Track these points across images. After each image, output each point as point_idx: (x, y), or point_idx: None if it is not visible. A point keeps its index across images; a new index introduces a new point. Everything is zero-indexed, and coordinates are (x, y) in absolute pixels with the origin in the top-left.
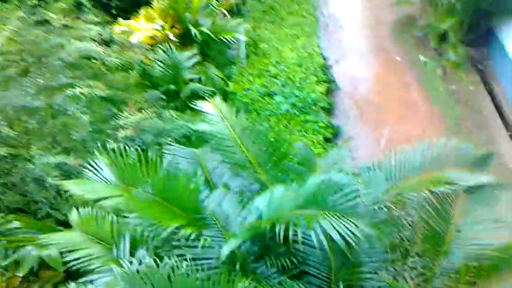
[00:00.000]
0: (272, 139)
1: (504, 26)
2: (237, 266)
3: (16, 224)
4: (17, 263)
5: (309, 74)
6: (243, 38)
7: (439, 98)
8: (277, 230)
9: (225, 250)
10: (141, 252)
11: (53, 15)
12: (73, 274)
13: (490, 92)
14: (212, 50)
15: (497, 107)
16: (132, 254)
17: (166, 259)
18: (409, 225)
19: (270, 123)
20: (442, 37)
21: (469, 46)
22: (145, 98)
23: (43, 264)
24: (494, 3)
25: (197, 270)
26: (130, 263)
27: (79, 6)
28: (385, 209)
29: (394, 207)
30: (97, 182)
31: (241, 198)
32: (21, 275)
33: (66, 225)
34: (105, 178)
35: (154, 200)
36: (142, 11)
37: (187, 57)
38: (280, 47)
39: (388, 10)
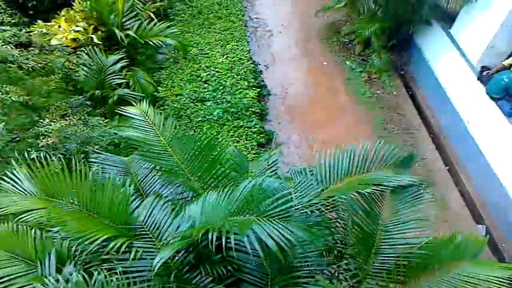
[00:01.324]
0: (203, 145)
1: (421, 32)
2: (171, 277)
3: None
4: None
5: (240, 79)
6: (171, 42)
7: (365, 102)
8: (210, 237)
9: (158, 261)
10: (68, 268)
11: None
12: None
13: (412, 95)
14: (140, 54)
15: (418, 109)
16: (59, 271)
17: (95, 274)
18: (342, 227)
19: (202, 129)
20: (366, 43)
21: (392, 52)
22: (69, 104)
23: None
24: (411, 11)
25: (128, 284)
26: (57, 280)
27: None
28: (317, 212)
29: (326, 210)
30: (16, 195)
31: (174, 207)
32: None
33: None
34: (25, 190)
35: (81, 212)
36: (63, 13)
37: (114, 61)
38: (210, 52)
39: (315, 16)
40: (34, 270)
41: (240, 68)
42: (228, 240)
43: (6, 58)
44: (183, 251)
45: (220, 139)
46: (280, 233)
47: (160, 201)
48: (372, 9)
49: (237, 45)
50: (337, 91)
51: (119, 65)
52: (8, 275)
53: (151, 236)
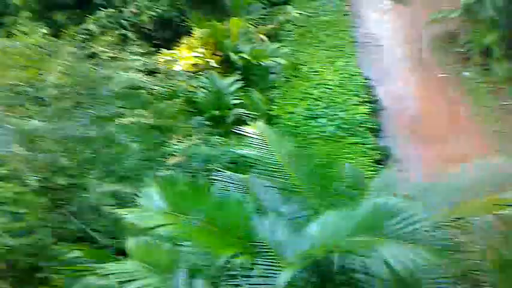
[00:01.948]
0: (320, 162)
1: None
2: None
3: (77, 253)
4: None
5: (351, 95)
6: (282, 61)
7: (488, 114)
8: (333, 258)
9: (282, 280)
10: (198, 282)
11: (101, 49)
12: None
13: None
14: (253, 74)
15: None
16: (189, 283)
17: None
18: (476, 252)
19: (316, 146)
20: (485, 52)
21: None
22: (191, 125)
23: None
24: None
25: None
26: None
27: (124, 38)
28: (446, 235)
29: (455, 233)
30: (151, 210)
31: (294, 225)
32: None
33: (124, 254)
34: (158, 205)
35: (206, 228)
36: (184, 41)
37: (230, 82)
38: (320, 69)
39: (426, 28)
40: (166, 283)
41: (351, 83)
42: (352, 262)
43: (138, 85)
44: (306, 271)
45: (336, 156)
46: (409, 255)
47: (280, 219)
48: (491, 17)
49: (347, 61)
50: (455, 103)
51: (234, 86)
52: (144, 286)
53: (273, 253)
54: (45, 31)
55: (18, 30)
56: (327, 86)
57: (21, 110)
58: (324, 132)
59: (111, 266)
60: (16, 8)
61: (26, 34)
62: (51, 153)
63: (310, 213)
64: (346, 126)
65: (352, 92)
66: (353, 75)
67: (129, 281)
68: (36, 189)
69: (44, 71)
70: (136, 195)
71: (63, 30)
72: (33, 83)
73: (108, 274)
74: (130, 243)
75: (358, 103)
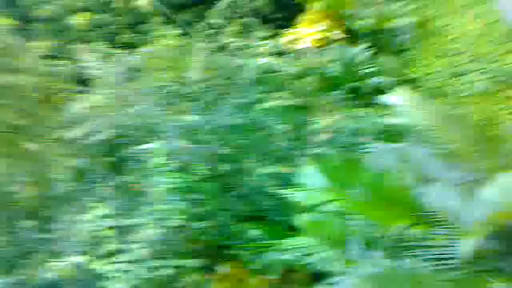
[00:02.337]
0: (477, 122)
1: None
2: (480, 266)
3: (256, 231)
4: (266, 267)
5: (497, 43)
6: (410, 20)
7: None
8: None
9: (465, 249)
10: (376, 253)
11: (229, 40)
12: (316, 276)
13: None
14: (380, 39)
15: None
16: (365, 255)
17: (401, 260)
18: None
19: (467, 104)
20: None
21: None
22: (331, 100)
23: (288, 267)
24: None
25: (438, 270)
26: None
27: (246, 26)
28: None
29: None
30: (313, 188)
31: (464, 191)
32: (272, 278)
33: (294, 229)
34: (318, 183)
35: (371, 201)
36: (303, 17)
37: (359, 51)
38: (453, 22)
39: None
40: (342, 255)
41: (493, 32)
42: None
43: (271, 69)
44: (491, 239)
45: (493, 113)
46: None
47: (447, 185)
48: None
49: (484, 8)
50: None
51: (365, 55)
52: (322, 259)
53: (448, 222)
54: (177, 32)
55: (154, 35)
56: (465, 38)
57: (175, 107)
58: (473, 88)
59: (288, 242)
60: (147, 16)
61: (161, 38)
62: (210, 143)
63: (479, 177)
64: (498, 79)
65: (498, 40)
66: (493, 22)
67: (308, 254)
68: (207, 177)
69: (185, 69)
70: (294, 174)
71: (191, 29)
72: (178, 81)
73: (287, 249)
74: (300, 220)
75: (507, 52)
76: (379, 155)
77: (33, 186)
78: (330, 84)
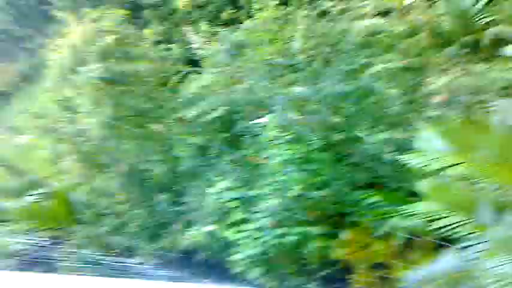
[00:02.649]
0: None
1: None
2: None
3: (374, 198)
4: (388, 233)
5: None
6: None
7: None
8: None
9: None
10: (508, 217)
11: (330, 4)
12: (441, 242)
13: None
14: None
15: None
16: (498, 219)
17: None
18: None
19: None
20: None
21: None
22: (444, 58)
23: (413, 233)
24: None
25: None
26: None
27: None
28: None
29: None
30: (432, 152)
31: None
32: (397, 243)
33: (415, 195)
34: (438, 147)
35: (497, 163)
36: None
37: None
38: None
39: None
40: (469, 219)
41: None
42: None
43: (376, 30)
44: None
45: None
46: None
47: None
48: None
49: None
50: None
51: (480, 3)
52: (449, 224)
53: None
54: (277, 2)
55: (254, 9)
56: None
57: (282, 80)
58: None
59: (411, 207)
60: None
61: (262, 10)
62: (320, 113)
63: None
64: None
65: None
66: None
67: (434, 220)
68: (319, 147)
69: (288, 40)
70: (411, 139)
71: None
72: (283, 53)
73: (410, 215)
74: (423, 185)
75: None
76: (505, 113)
77: (162, 164)
78: (443, 40)
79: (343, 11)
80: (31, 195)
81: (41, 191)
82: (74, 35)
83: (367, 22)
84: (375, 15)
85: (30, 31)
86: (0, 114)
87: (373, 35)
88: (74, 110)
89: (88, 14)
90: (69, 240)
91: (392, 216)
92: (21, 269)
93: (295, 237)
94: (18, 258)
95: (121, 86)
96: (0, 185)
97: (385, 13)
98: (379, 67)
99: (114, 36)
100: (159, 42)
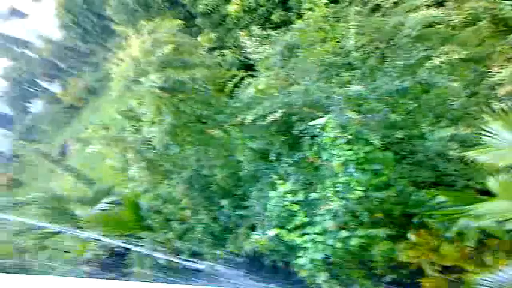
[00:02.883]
0: None
1: None
2: None
3: (441, 197)
4: (459, 234)
5: None
6: None
7: None
8: None
9: None
10: None
11: None
12: None
13: None
14: None
15: None
16: None
17: None
18: None
19: None
20: None
21: None
22: (508, 46)
23: (487, 233)
24: None
25: None
26: None
27: None
28: None
29: None
30: (500, 147)
31: None
32: (468, 245)
33: (485, 194)
34: (504, 141)
35: None
36: None
37: None
38: None
39: None
40: None
41: None
42: None
43: (433, 21)
44: None
45: None
46: None
47: None
48: None
49: None
50: None
51: None
52: None
53: None
54: (326, 1)
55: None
56: None
57: (337, 79)
58: None
59: (481, 207)
60: None
61: (312, 10)
62: (379, 111)
63: None
64: None
65: None
66: None
67: (506, 220)
68: (380, 147)
69: (341, 38)
70: (476, 134)
71: None
72: (336, 52)
73: (482, 215)
74: (494, 183)
75: None
76: None
77: (223, 169)
78: (504, 27)
79: (396, 4)
80: (102, 202)
81: (110, 198)
82: (133, 47)
83: (422, 14)
84: (429, 6)
85: (94, 46)
86: (70, 126)
87: (430, 26)
88: (137, 119)
89: (145, 26)
90: (139, 245)
91: (461, 217)
92: (94, 275)
93: (360, 240)
94: (91, 264)
95: (180, 94)
96: (73, 193)
97: (440, 3)
98: (438, 60)
99: (171, 46)
100: (213, 49)
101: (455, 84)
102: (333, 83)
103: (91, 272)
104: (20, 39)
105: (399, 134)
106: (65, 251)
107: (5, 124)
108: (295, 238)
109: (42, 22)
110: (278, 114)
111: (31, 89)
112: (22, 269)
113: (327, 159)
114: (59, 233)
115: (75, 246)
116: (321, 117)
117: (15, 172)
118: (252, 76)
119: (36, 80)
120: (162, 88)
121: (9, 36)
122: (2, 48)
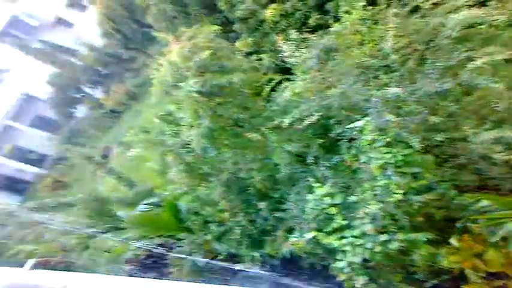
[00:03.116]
0: None
1: None
2: None
3: (485, 201)
4: (504, 239)
5: None
6: None
7: None
8: None
9: None
10: None
11: None
12: None
13: None
14: None
15: None
16: None
17: None
18: None
19: None
20: None
21: None
22: None
23: None
24: None
25: None
26: None
27: None
28: None
29: None
30: None
31: None
32: None
33: None
34: None
35: None
36: None
37: None
38: None
39: None
40: None
41: None
42: None
43: (474, 22)
44: None
45: None
46: None
47: None
48: None
49: None
50: None
51: None
52: None
53: None
54: (363, 2)
55: (341, 11)
56: None
57: (376, 81)
58: None
59: None
60: None
61: (348, 13)
62: (418, 114)
63: None
64: None
65: None
66: None
67: None
68: (420, 149)
69: (378, 40)
70: None
71: None
72: (374, 54)
73: None
74: None
75: None
76: None
77: (260, 171)
78: None
79: (436, 5)
80: (142, 204)
81: (151, 200)
82: (173, 53)
83: (463, 14)
84: (471, 7)
85: (135, 53)
86: (112, 130)
87: (471, 27)
88: (176, 123)
89: (184, 32)
90: (178, 246)
91: (507, 221)
92: (136, 275)
93: (400, 244)
94: (133, 264)
95: (218, 98)
96: (116, 195)
97: (482, 3)
98: (480, 61)
99: (208, 51)
100: (250, 53)
101: (499, 86)
102: (371, 85)
103: (130, 271)
104: (65, 47)
105: (439, 137)
106: (105, 251)
107: (50, 128)
108: (333, 241)
109: (86, 31)
110: (315, 118)
111: (75, 95)
112: (67, 267)
113: (365, 162)
114: (101, 233)
115: (116, 246)
116: (358, 120)
117: (60, 174)
118: (289, 80)
119: (80, 86)
120: (199, 92)
121: (54, 44)
122: (48, 56)
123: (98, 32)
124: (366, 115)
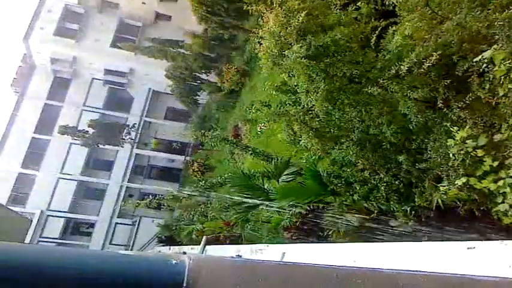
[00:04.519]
0: None
1: None
2: None
3: None
4: None
5: None
6: None
7: None
8: None
9: None
10: None
11: None
12: None
13: None
14: None
15: None
16: None
17: None
18: None
19: None
20: None
21: None
22: None
23: None
24: None
25: None
26: None
27: None
28: None
29: None
30: None
31: None
32: None
33: None
34: None
35: None
36: None
37: None
38: None
39: None
40: None
41: None
42: None
43: None
44: None
45: None
46: None
47: None
48: None
49: None
50: None
51: None
52: None
53: None
54: None
55: None
56: None
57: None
58: None
59: None
60: None
61: None
62: None
63: None
64: None
65: None
66: None
67: None
68: None
69: None
70: None
71: None
72: None
73: None
74: None
75: None
76: None
77: (390, 125)
78: None
79: None
80: (284, 175)
81: (291, 170)
82: (269, 23)
83: None
84: None
85: (234, 31)
86: (236, 109)
87: None
88: (293, 91)
89: None
90: (329, 210)
91: None
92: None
93: None
94: (291, 231)
95: (326, 59)
96: (258, 170)
97: None
98: None
99: (303, 13)
100: (346, 5)
101: None
102: (491, 8)
103: (292, 238)
104: (171, 39)
105: None
106: (263, 221)
107: (183, 119)
108: (488, 185)
109: (184, 20)
110: (434, 58)
111: (194, 83)
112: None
113: (504, 96)
114: (257, 206)
115: (272, 217)
116: (485, 50)
117: (203, 158)
118: (395, 23)
119: (195, 74)
120: (307, 57)
121: (161, 39)
122: (159, 51)
123: (194, 19)
124: (492, 43)
